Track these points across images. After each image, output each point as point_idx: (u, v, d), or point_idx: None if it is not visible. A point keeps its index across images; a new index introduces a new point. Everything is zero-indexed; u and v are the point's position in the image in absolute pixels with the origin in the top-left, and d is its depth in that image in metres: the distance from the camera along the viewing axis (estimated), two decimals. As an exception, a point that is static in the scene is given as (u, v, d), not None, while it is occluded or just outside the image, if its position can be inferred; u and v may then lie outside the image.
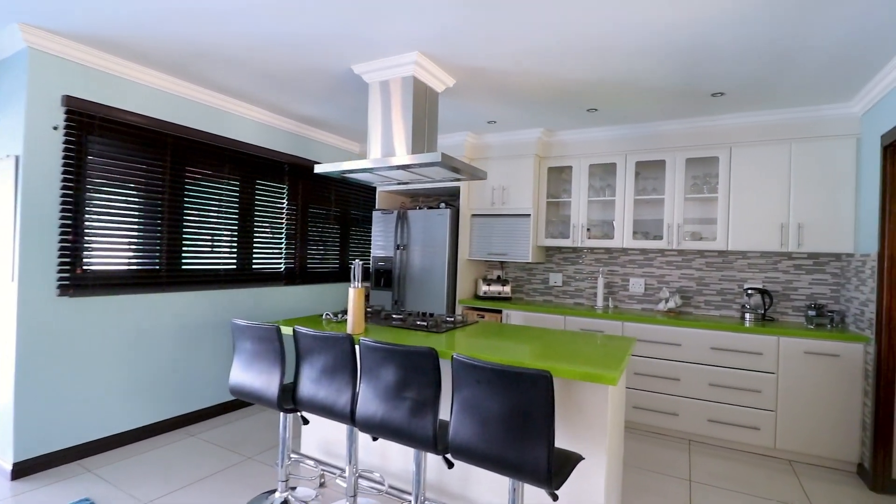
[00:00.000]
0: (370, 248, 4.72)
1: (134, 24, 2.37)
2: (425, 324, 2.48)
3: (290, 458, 2.28)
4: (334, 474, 2.38)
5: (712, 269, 3.75)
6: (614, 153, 3.84)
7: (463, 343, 2.16)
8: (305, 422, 2.23)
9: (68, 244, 2.66)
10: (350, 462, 2.17)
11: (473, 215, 4.33)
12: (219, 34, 2.45)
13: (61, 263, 2.64)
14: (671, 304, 3.69)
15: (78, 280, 2.71)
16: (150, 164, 3.07)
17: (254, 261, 3.81)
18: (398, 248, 4.37)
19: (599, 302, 3.96)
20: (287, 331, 2.38)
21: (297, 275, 4.16)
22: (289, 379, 3.17)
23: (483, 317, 4.08)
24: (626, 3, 2.00)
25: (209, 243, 3.47)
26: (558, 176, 4.34)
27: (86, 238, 2.75)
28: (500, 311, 4.06)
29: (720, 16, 2.07)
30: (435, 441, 1.61)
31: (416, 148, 2.69)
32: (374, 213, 4.51)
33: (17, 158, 2.51)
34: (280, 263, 4.02)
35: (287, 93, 3.33)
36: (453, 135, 4.22)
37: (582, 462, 1.88)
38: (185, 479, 2.55)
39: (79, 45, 2.64)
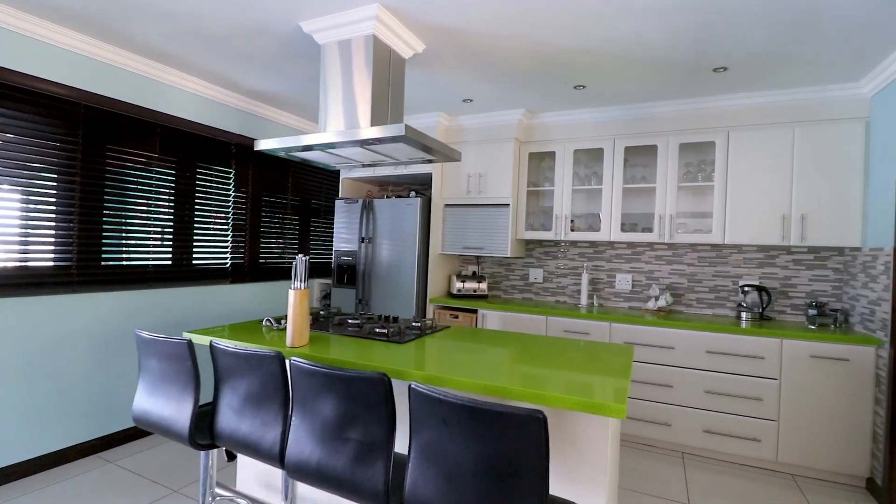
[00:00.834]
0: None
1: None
2: (385, 331, 2.07)
3: (213, 499, 1.84)
4: (274, 515, 1.95)
5: (705, 263, 3.45)
6: (601, 137, 3.49)
7: (429, 358, 1.76)
8: (231, 458, 1.79)
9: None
10: (286, 500, 1.76)
11: (447, 205, 3.92)
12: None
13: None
14: (661, 303, 3.38)
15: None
16: (59, 141, 2.55)
17: (194, 256, 3.32)
18: (363, 242, 3.93)
19: (583, 300, 3.62)
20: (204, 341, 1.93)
21: (246, 271, 3.67)
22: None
23: (457, 317, 3.69)
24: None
25: (137, 236, 2.96)
26: (540, 163, 3.97)
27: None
28: (475, 311, 3.68)
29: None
30: (387, 497, 1.20)
31: (376, 121, 2.26)
32: (336, 202, 4.05)
33: None
34: (226, 258, 3.52)
35: (227, 59, 2.84)
36: (424, 115, 3.80)
37: (576, 507, 1.50)
38: (92, 522, 2.08)
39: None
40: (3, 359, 2.35)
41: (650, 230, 3.42)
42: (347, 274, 3.98)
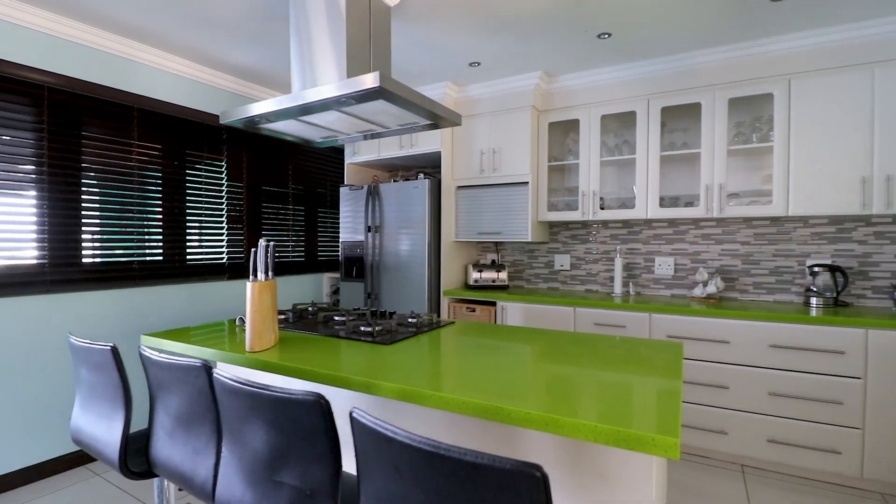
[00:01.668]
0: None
1: None
2: (371, 330, 1.72)
3: (171, 536, 1.55)
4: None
5: (763, 241, 2.92)
6: (633, 99, 3.01)
7: (413, 364, 1.39)
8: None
9: None
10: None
11: (460, 187, 3.54)
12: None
13: None
14: (710, 289, 2.89)
15: None
16: (22, 128, 2.32)
17: (188, 251, 3.07)
18: (370, 231, 3.60)
19: (617, 288, 3.17)
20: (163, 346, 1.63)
21: (245, 266, 3.41)
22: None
23: (474, 311, 3.31)
24: None
25: (123, 230, 2.73)
26: (563, 134, 3.52)
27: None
28: (494, 304, 3.29)
29: None
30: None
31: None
32: (341, 189, 3.74)
33: None
34: (222, 254, 3.27)
35: (199, 28, 2.54)
36: (429, 87, 3.41)
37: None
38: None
39: None
40: (-32, 367, 2.16)
41: (695, 204, 2.93)
42: (356, 267, 3.67)
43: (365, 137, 2.27)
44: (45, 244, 2.41)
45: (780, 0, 2.20)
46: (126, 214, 2.75)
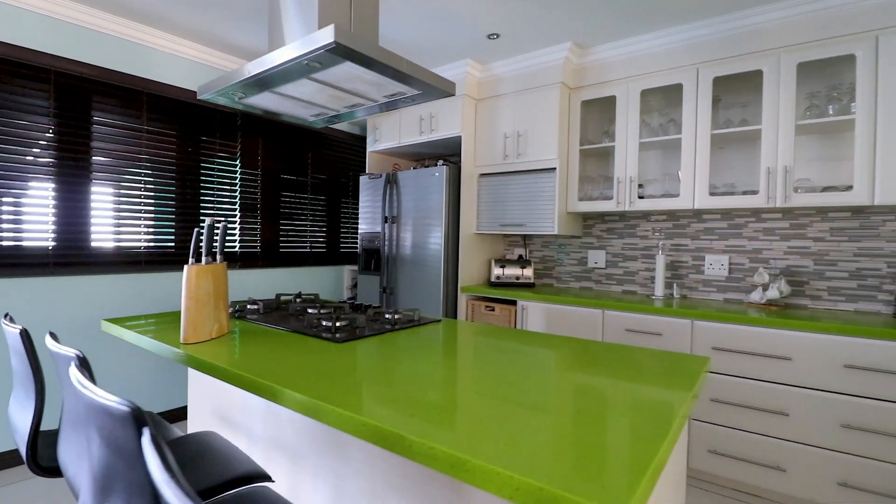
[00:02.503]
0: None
1: None
2: (330, 325, 1.50)
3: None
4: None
5: (842, 237, 2.40)
6: (679, 69, 2.59)
7: (347, 369, 1.16)
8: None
9: None
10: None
11: (482, 175, 3.26)
12: None
13: None
14: (772, 293, 2.41)
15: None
16: (31, 111, 2.35)
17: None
18: (386, 222, 3.41)
19: (659, 289, 2.75)
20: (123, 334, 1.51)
21: (259, 255, 3.34)
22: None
23: (493, 310, 3.02)
24: None
25: (134, 216, 2.73)
26: (597, 113, 3.14)
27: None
28: (514, 303, 2.98)
29: None
30: None
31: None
32: (360, 178, 3.59)
33: None
34: (234, 242, 3.21)
35: (206, 7, 2.46)
36: (448, 66, 3.16)
37: None
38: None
39: None
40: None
41: (754, 191, 2.46)
42: (374, 259, 3.50)
43: (355, 113, 2.06)
44: (54, 228, 2.43)
45: (866, -75, 1.73)
46: (137, 200, 2.74)
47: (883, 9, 2.07)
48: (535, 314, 2.82)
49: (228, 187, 3.17)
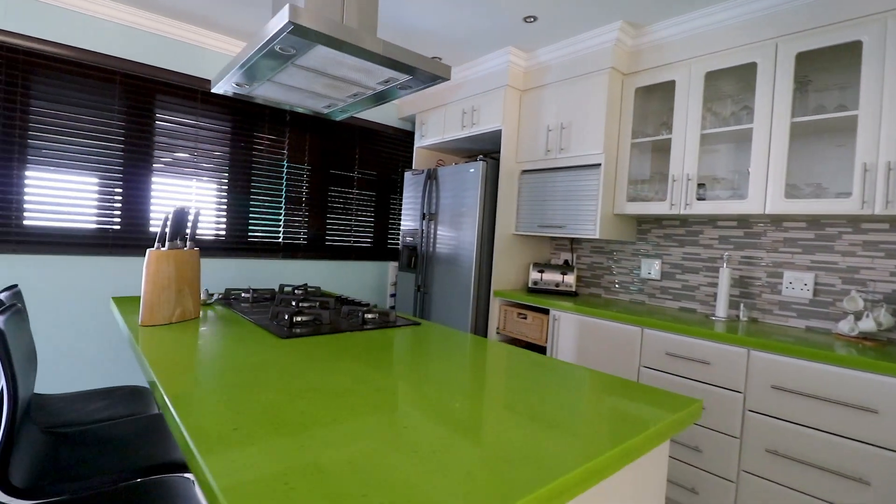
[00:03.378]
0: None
1: None
2: (286, 319, 1.43)
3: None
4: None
5: (979, 258, 1.80)
6: (753, 45, 2.14)
7: (246, 365, 1.07)
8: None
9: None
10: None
11: (524, 171, 3.02)
12: None
13: (-20, 217, 2.33)
14: (867, 325, 1.89)
15: (11, 236, 2.39)
16: (101, 109, 2.64)
17: (250, 228, 3.21)
18: (424, 219, 3.32)
19: (721, 309, 2.32)
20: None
21: (301, 247, 3.44)
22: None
23: (525, 318, 2.78)
24: None
25: (186, 204, 2.95)
26: (657, 101, 2.74)
27: (14, 190, 2.41)
28: (547, 312, 2.72)
29: None
30: None
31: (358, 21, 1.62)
32: (405, 174, 3.54)
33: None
34: (278, 233, 3.34)
35: (250, 4, 2.57)
36: (489, 56, 2.97)
37: None
38: None
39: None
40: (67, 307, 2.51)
41: (847, 194, 1.95)
42: (414, 257, 3.43)
43: (360, 103, 1.99)
44: (119, 213, 2.71)
45: None
46: (190, 191, 2.96)
47: None
48: (567, 326, 2.54)
49: (276, 180, 3.30)
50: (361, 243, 3.78)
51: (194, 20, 2.77)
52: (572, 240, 3.21)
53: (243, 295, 1.91)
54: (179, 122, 2.89)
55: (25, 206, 2.44)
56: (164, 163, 2.85)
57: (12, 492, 1.05)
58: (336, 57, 1.52)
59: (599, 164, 2.59)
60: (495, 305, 2.95)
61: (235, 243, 3.14)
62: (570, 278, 2.90)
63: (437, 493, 0.57)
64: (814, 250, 2.20)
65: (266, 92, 1.91)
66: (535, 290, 2.94)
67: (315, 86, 1.81)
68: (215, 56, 3.01)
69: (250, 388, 0.92)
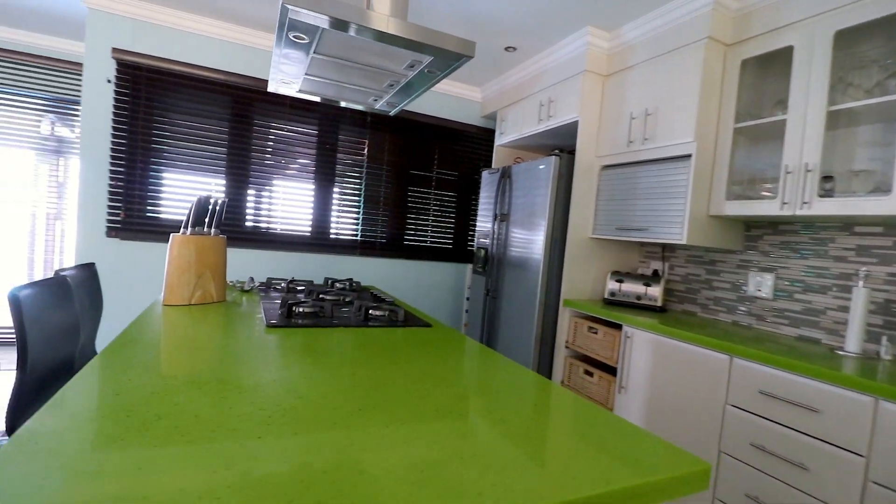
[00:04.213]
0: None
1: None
2: (284, 309, 1.41)
3: None
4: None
5: None
6: (908, -13, 1.58)
7: (214, 357, 1.05)
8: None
9: (118, 190, 2.81)
10: None
11: (605, 166, 2.68)
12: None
13: (110, 207, 2.80)
14: None
15: (123, 224, 2.84)
16: (208, 114, 3.00)
17: (331, 226, 3.38)
18: (496, 219, 3.15)
19: (853, 342, 1.76)
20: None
21: (378, 246, 3.51)
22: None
23: (596, 332, 2.45)
24: None
25: (282, 204, 3.22)
26: (767, 77, 2.19)
27: (137, 186, 2.86)
28: (620, 327, 2.36)
29: None
30: None
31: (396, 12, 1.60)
32: (482, 173, 3.41)
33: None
34: (356, 231, 3.45)
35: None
36: (567, 40, 2.68)
37: None
38: None
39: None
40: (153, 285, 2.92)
41: None
42: (486, 260, 3.29)
43: (402, 92, 1.93)
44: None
45: None
46: (282, 189, 3.21)
47: None
48: (641, 346, 2.16)
49: (356, 180, 3.42)
50: (440, 244, 3.74)
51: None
52: (664, 246, 2.76)
53: (280, 283, 1.97)
54: (273, 127, 3.16)
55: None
56: (262, 166, 3.13)
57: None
58: (349, 41, 1.48)
59: (689, 155, 2.16)
60: (565, 316, 2.65)
61: (318, 240, 3.33)
62: (656, 291, 2.48)
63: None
64: None
65: (309, 87, 1.96)
66: (612, 302, 2.58)
67: (346, 76, 1.80)
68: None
69: (156, 369, 0.89)
